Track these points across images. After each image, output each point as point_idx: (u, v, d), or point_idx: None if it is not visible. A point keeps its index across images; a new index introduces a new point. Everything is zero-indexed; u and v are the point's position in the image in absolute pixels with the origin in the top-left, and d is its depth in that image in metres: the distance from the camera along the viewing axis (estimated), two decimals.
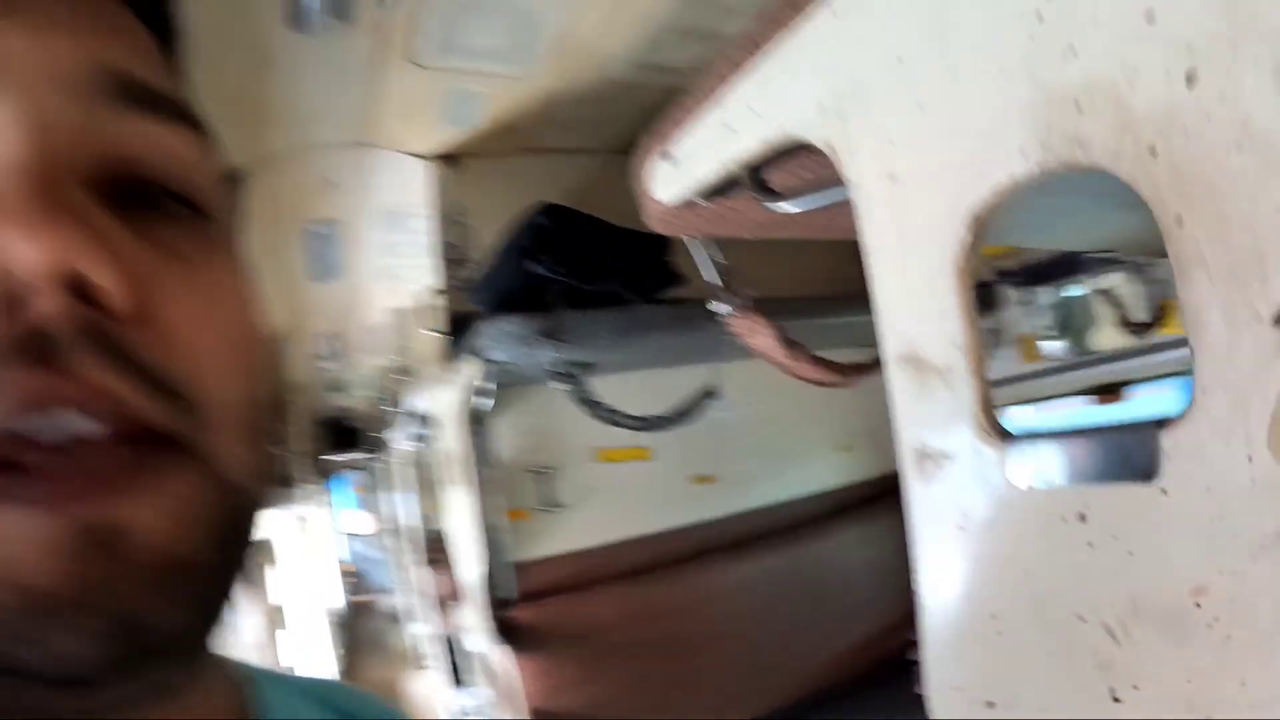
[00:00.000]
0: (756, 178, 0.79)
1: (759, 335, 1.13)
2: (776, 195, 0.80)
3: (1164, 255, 0.40)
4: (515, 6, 1.76)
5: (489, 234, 2.39)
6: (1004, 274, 2.11)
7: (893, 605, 2.33)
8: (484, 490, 2.28)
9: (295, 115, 2.08)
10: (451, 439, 2.37)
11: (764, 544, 2.43)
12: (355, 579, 5.59)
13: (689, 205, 0.90)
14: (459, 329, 2.33)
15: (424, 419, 3.05)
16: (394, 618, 6.64)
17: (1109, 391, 2.10)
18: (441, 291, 2.42)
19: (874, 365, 0.70)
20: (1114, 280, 1.92)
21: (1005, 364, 2.15)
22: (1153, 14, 0.39)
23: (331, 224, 2.74)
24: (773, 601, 2.19)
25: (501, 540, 2.30)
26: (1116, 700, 0.43)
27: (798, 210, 0.79)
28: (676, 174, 0.88)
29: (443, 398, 2.42)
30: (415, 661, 5.22)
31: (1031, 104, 0.47)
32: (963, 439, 0.52)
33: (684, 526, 2.46)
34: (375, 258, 3.11)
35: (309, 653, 5.45)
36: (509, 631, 2.24)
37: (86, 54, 0.26)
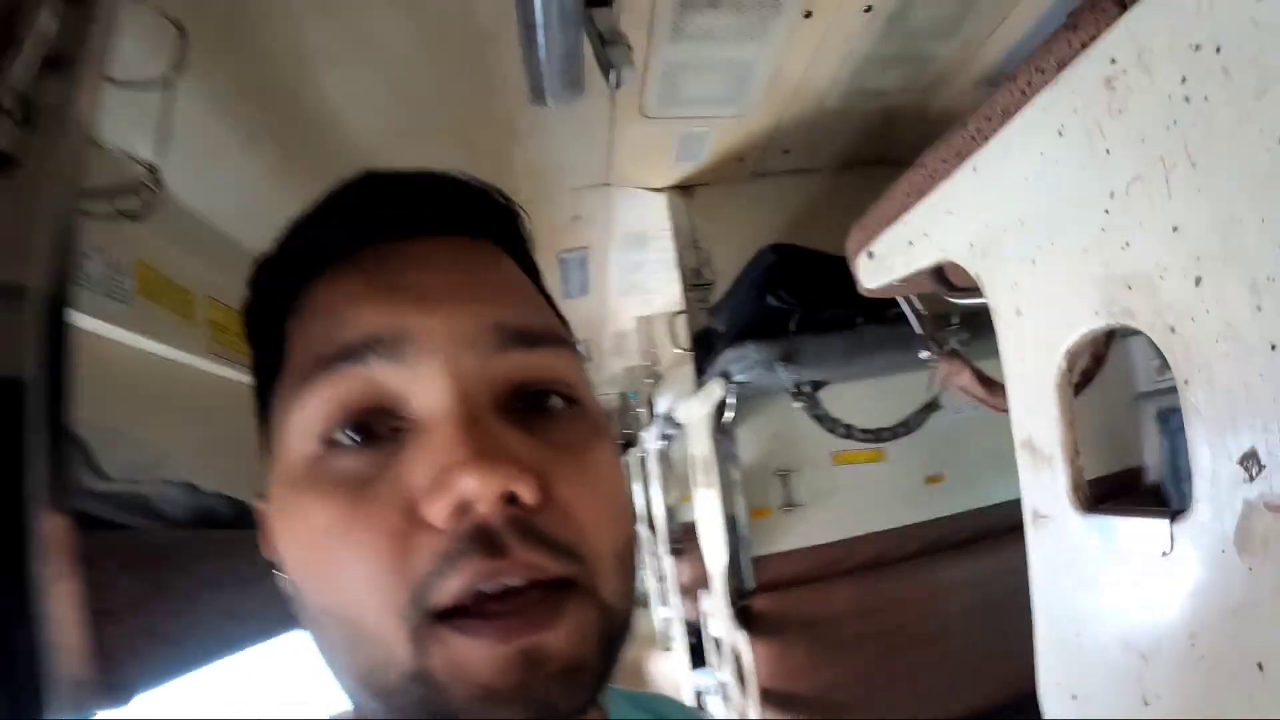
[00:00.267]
0: (939, 275, 1.03)
1: (960, 375, 1.34)
2: (955, 289, 1.03)
3: None
4: (728, 60, 2.04)
5: (724, 254, 2.71)
6: None
7: None
8: (729, 490, 2.61)
9: (543, 169, 2.49)
10: (700, 445, 2.72)
11: (985, 543, 2.55)
12: None
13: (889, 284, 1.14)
14: (700, 343, 2.68)
15: (671, 419, 3.43)
16: (642, 601, 7.22)
17: None
18: (682, 311, 2.75)
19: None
20: None
21: None
22: (1178, 228, 0.61)
23: (581, 250, 3.20)
24: (987, 600, 2.30)
25: (744, 535, 2.62)
26: (1145, 704, 0.65)
27: (970, 304, 1.01)
28: (876, 268, 1.12)
29: (692, 409, 2.77)
30: (661, 643, 5.70)
31: (1101, 278, 0.68)
32: (1060, 506, 0.75)
33: (913, 524, 2.64)
34: (621, 275, 3.57)
35: None
36: (747, 618, 2.54)
37: (484, 320, 0.37)
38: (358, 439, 0.35)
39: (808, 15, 1.84)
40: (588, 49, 1.86)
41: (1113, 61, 0.63)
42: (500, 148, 2.28)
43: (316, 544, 0.34)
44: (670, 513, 4.46)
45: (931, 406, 2.14)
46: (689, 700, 4.05)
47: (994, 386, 1.33)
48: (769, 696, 2.53)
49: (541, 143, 2.31)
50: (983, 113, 0.83)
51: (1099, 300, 0.69)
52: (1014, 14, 1.92)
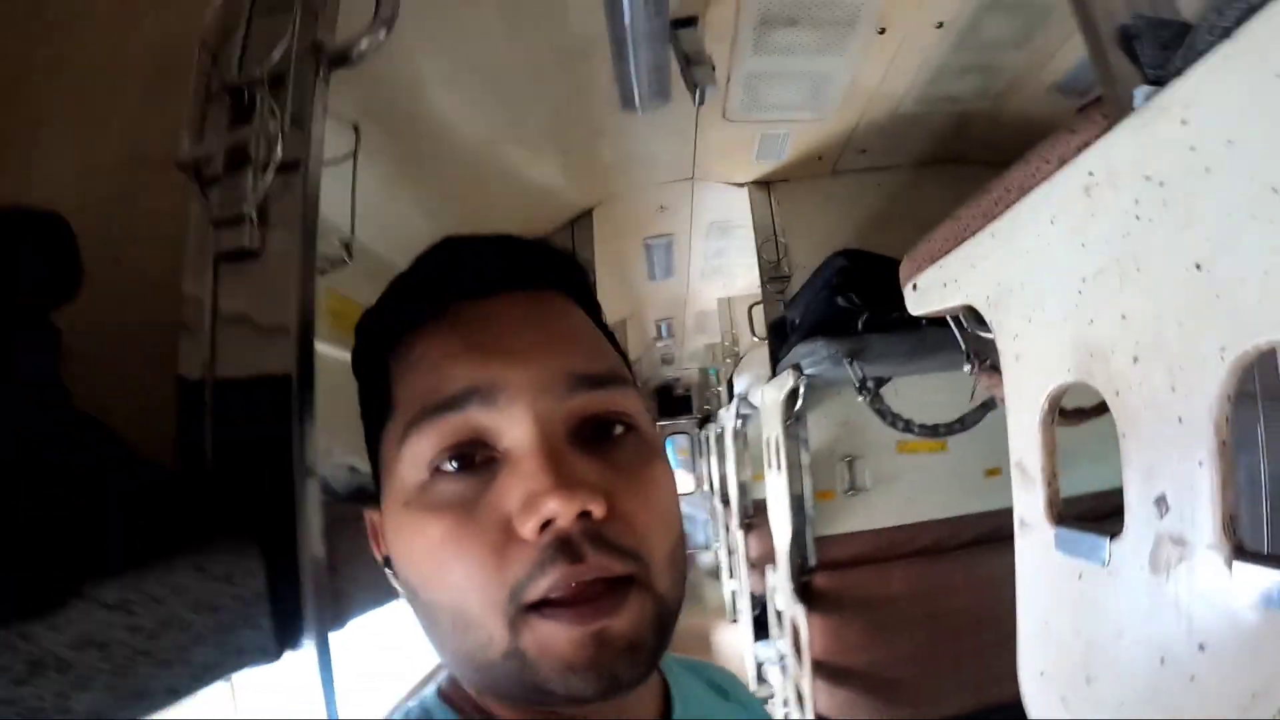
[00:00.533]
0: (970, 312, 1.20)
1: (998, 388, 1.50)
2: (985, 326, 1.20)
3: None
4: (807, 71, 2.21)
5: (803, 247, 2.89)
6: None
7: None
8: (797, 472, 2.80)
9: (631, 165, 2.72)
10: (772, 428, 2.91)
11: None
12: None
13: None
14: (776, 332, 2.88)
15: (748, 400, 3.64)
16: (712, 573, 7.45)
17: None
18: (760, 302, 2.94)
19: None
20: None
21: None
22: (1126, 316, 0.79)
23: (666, 237, 3.42)
24: None
25: (809, 515, 2.83)
26: (1087, 682, 0.84)
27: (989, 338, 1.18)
28: (919, 300, 1.30)
29: (766, 395, 2.96)
30: (728, 614, 5.93)
31: (1073, 344, 0.86)
32: (1038, 517, 0.94)
33: (971, 515, 2.78)
34: (704, 260, 3.78)
35: None
36: (807, 594, 2.74)
37: (559, 370, 0.44)
38: (459, 467, 0.43)
39: (881, 31, 2.00)
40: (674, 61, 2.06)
41: (1090, 174, 0.81)
42: (592, 147, 2.51)
43: (432, 554, 0.42)
44: (743, 489, 4.67)
45: (988, 406, 2.28)
46: (750, 670, 4.29)
47: None
48: (822, 669, 2.73)
49: (630, 142, 2.53)
50: (1003, 183, 1.00)
51: (1072, 360, 0.87)
52: None
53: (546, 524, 0.40)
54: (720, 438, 5.17)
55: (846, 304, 2.23)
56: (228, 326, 0.75)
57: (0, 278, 0.49)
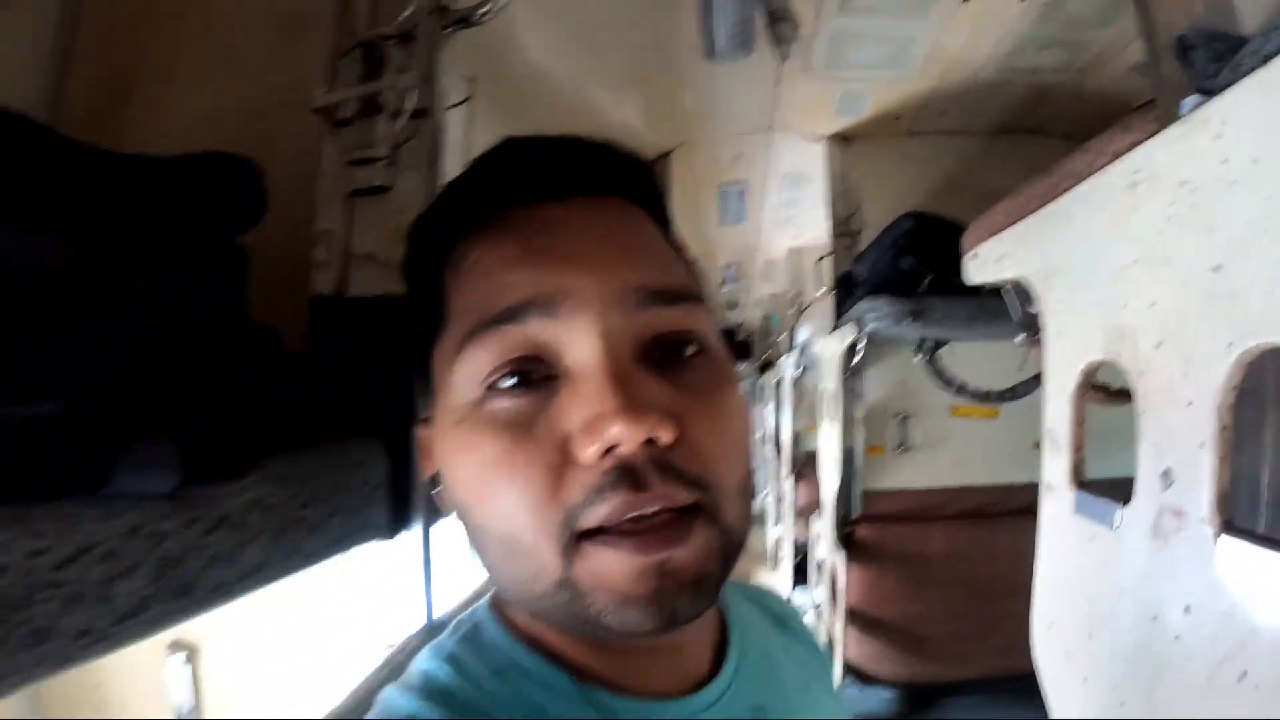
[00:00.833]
0: (1020, 287, 1.28)
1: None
2: (1033, 301, 1.28)
3: None
4: (891, 32, 2.24)
5: (875, 205, 2.93)
6: None
7: None
8: (850, 425, 2.90)
9: (711, 112, 2.76)
10: (830, 381, 3.00)
11: None
12: None
13: None
14: (841, 286, 2.94)
15: (807, 351, 3.71)
16: (758, 519, 7.60)
17: None
18: (827, 255, 3.00)
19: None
20: None
21: None
22: (1154, 304, 0.86)
23: (740, 184, 3.47)
24: None
25: (858, 468, 2.93)
26: (1089, 636, 0.94)
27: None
28: (978, 269, 1.37)
29: (827, 347, 3.05)
30: (770, 560, 6.08)
31: (1107, 325, 0.94)
32: (1062, 481, 1.03)
33: (1016, 484, 2.81)
34: (775, 210, 3.83)
35: None
36: (849, 544, 2.86)
37: (629, 282, 0.41)
38: (516, 384, 0.40)
39: (965, 0, 2.01)
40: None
41: (1136, 172, 0.88)
42: (673, 93, 2.57)
43: (483, 474, 0.40)
44: (796, 438, 4.77)
45: (1039, 378, 2.33)
46: None
47: None
48: (855, 618, 2.86)
49: (711, 90, 2.58)
50: (1063, 168, 1.07)
51: (1104, 340, 0.95)
52: None
53: (610, 449, 0.37)
54: (778, 386, 5.26)
55: (911, 265, 2.30)
56: (359, 256, 0.88)
57: (205, 210, 0.61)
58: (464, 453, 0.41)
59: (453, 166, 1.21)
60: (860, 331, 2.60)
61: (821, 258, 3.04)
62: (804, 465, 4.33)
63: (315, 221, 0.93)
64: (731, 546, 0.42)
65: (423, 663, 0.45)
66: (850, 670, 2.84)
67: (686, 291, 0.44)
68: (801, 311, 4.36)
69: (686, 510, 0.39)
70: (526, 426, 0.39)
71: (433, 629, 0.88)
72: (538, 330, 0.40)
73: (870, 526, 2.84)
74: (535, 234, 0.42)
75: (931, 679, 2.91)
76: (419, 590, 0.86)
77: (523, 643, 0.45)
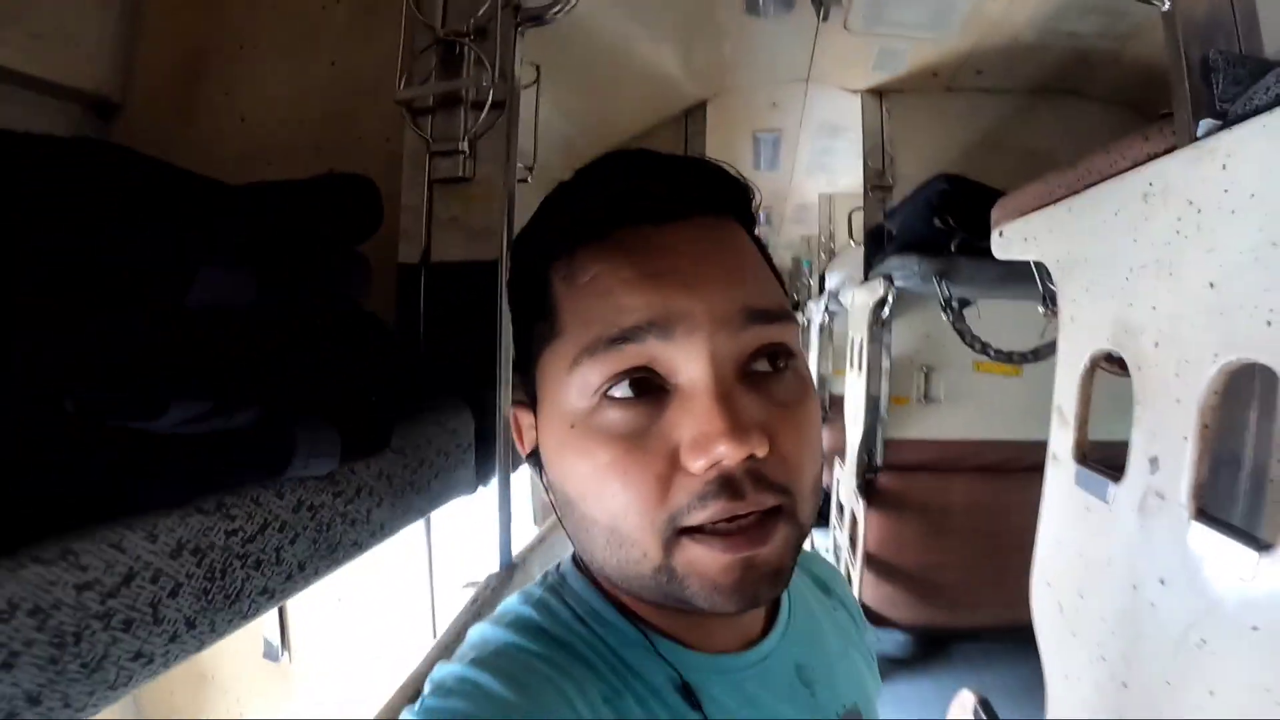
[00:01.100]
0: (1040, 267, 1.37)
1: None
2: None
3: None
4: None
5: (910, 159, 2.98)
6: None
7: None
8: (876, 375, 3.01)
9: (750, 62, 2.81)
10: (858, 330, 3.09)
11: None
12: None
13: None
14: (873, 238, 3.01)
15: (836, 297, 3.80)
16: None
17: None
18: (860, 208, 3.06)
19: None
20: None
21: None
22: (1156, 308, 0.96)
23: (775, 131, 3.52)
24: None
25: (882, 417, 3.04)
26: (1080, 597, 1.07)
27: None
28: (1003, 246, 1.46)
29: (857, 297, 3.13)
30: None
31: (1115, 319, 1.04)
32: (1066, 455, 1.14)
33: (1035, 441, 2.83)
34: (810, 157, 3.87)
35: None
36: (870, 491, 3.00)
37: (736, 304, 0.45)
38: (629, 396, 0.44)
39: None
40: None
41: (1150, 184, 0.97)
42: (714, 44, 2.62)
43: (597, 476, 0.44)
44: (822, 382, 4.88)
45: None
46: None
47: None
48: (872, 563, 3.01)
49: (751, 41, 2.63)
50: (1087, 164, 1.15)
51: (1111, 332, 1.05)
52: None
53: (714, 460, 0.42)
54: (806, 329, 5.35)
55: (942, 225, 2.38)
56: (441, 232, 0.99)
57: (334, 226, 0.73)
58: (578, 455, 0.45)
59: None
60: (889, 286, 2.69)
61: (854, 210, 3.10)
62: (828, 410, 4.45)
63: (402, 198, 1.03)
64: (802, 539, 0.47)
65: (514, 605, 0.53)
66: (866, 613, 2.98)
67: (782, 310, 0.48)
68: (832, 257, 4.42)
69: (770, 512, 0.44)
70: (638, 436, 0.44)
71: (509, 569, 1.02)
72: (653, 350, 0.43)
73: (892, 475, 2.97)
74: (651, 257, 0.45)
75: (944, 625, 3.08)
76: (493, 535, 1.00)
77: (603, 597, 0.52)
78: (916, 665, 3.09)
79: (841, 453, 3.52)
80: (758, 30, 2.52)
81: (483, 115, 1.01)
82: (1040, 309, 1.70)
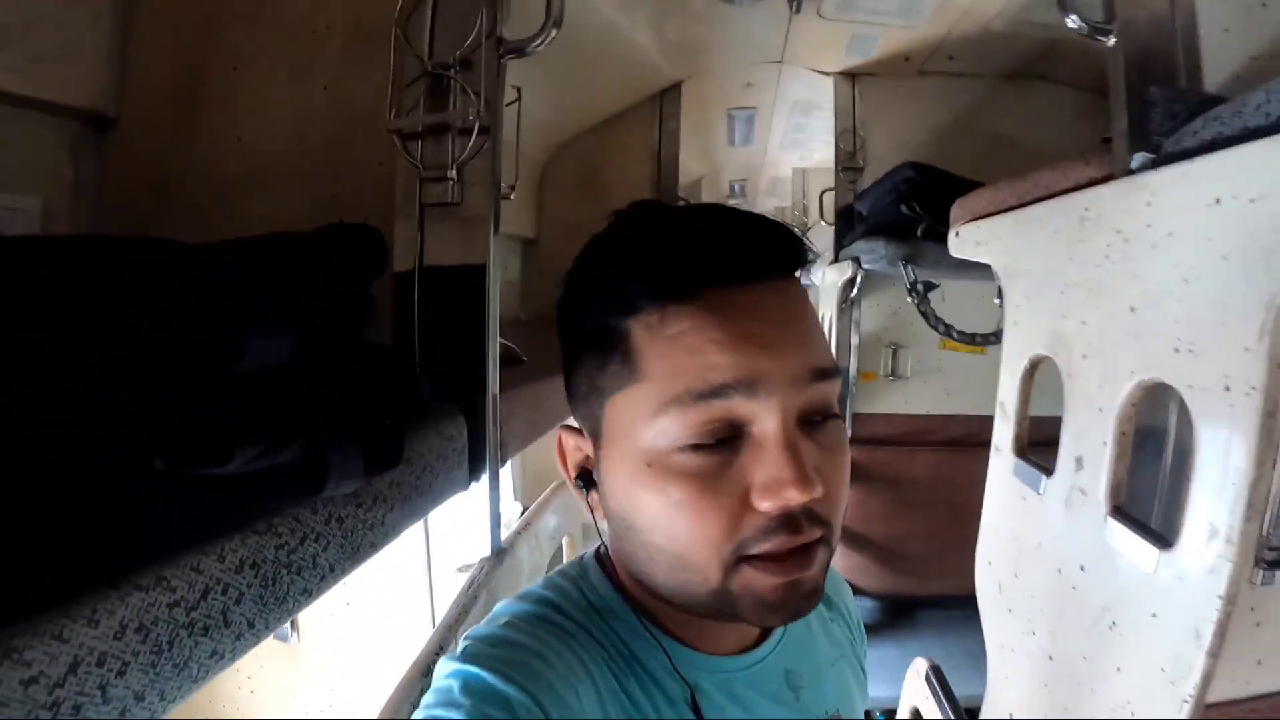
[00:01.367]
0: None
1: None
2: None
3: None
4: None
5: (882, 141, 3.07)
6: None
7: None
8: (845, 351, 3.13)
9: (725, 44, 2.89)
10: (827, 308, 3.20)
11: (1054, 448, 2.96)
12: None
13: None
14: (843, 217, 3.11)
15: (808, 273, 3.90)
16: None
17: None
18: (831, 189, 3.15)
19: None
20: None
21: None
22: (1085, 323, 1.07)
23: (749, 110, 3.60)
24: None
25: (851, 392, 3.16)
26: (1015, 575, 1.19)
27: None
28: (958, 245, 1.57)
29: (827, 276, 3.24)
30: None
31: (1050, 328, 1.15)
32: (1007, 447, 1.27)
33: None
34: (784, 134, 3.95)
35: None
36: None
37: (806, 364, 0.50)
38: (709, 443, 0.49)
39: None
40: None
41: (1085, 209, 1.07)
42: (689, 30, 2.69)
43: (670, 511, 0.49)
44: None
45: None
46: None
47: None
48: (842, 533, 3.09)
49: (725, 27, 2.70)
50: (1034, 179, 1.26)
51: (1047, 341, 1.16)
52: None
53: (784, 502, 0.48)
54: None
55: (909, 212, 2.47)
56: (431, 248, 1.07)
57: (343, 268, 0.81)
58: (653, 491, 0.50)
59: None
60: (858, 268, 2.80)
61: (825, 191, 3.19)
62: None
63: (395, 226, 1.11)
64: (831, 557, 0.54)
65: (538, 589, 0.60)
66: None
67: (835, 367, 0.53)
68: (805, 231, 4.52)
69: (814, 542, 0.50)
70: (712, 478, 0.49)
71: (499, 553, 1.12)
72: (735, 404, 0.48)
73: (859, 448, 3.08)
74: (737, 319, 0.49)
75: (910, 592, 3.23)
76: (480, 522, 1.10)
77: (620, 595, 0.59)
78: (884, 631, 3.22)
79: None
80: (732, 15, 2.58)
81: (470, 142, 1.08)
82: (996, 300, 1.81)
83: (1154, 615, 0.91)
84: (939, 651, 2.54)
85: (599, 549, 0.64)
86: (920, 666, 1.66)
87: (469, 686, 0.49)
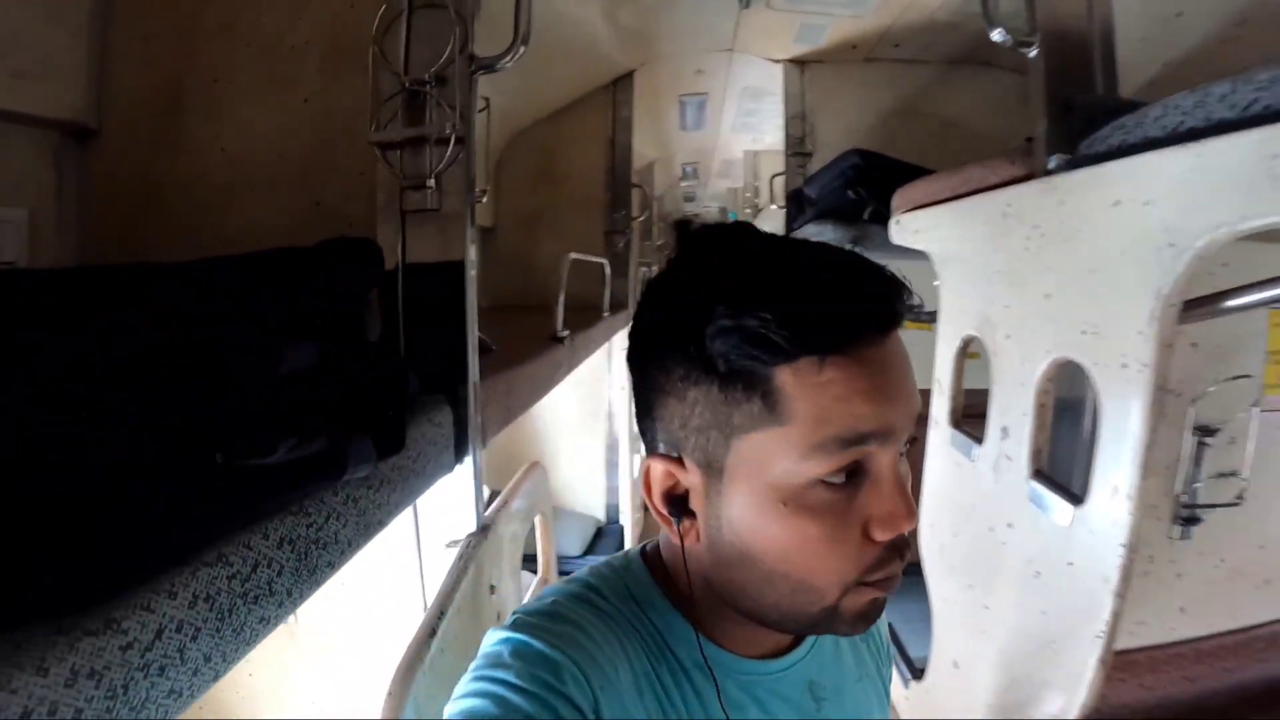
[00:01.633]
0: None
1: None
2: None
3: None
4: None
5: (830, 126, 3.18)
6: None
7: None
8: None
9: (677, 32, 2.98)
10: None
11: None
12: None
13: None
14: (793, 200, 3.22)
15: None
16: None
17: None
18: (781, 174, 3.26)
19: None
20: None
21: None
22: (1008, 307, 1.19)
23: (701, 96, 3.69)
24: None
25: None
26: (954, 535, 1.32)
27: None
28: (899, 233, 1.69)
29: None
30: None
31: (977, 311, 1.28)
32: (943, 419, 1.39)
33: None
34: (735, 118, 4.05)
35: None
36: None
37: (915, 410, 0.53)
38: (841, 482, 0.52)
39: None
40: None
41: (1007, 205, 1.19)
42: (641, 20, 2.77)
43: (804, 546, 0.52)
44: None
45: None
46: None
47: None
48: None
49: (676, 15, 2.79)
50: (965, 173, 1.37)
51: (976, 322, 1.28)
52: None
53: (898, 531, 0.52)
54: None
55: (855, 197, 2.60)
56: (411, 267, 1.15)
57: (346, 278, 0.90)
58: (784, 527, 0.52)
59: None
60: None
61: (775, 176, 3.29)
62: None
63: (378, 230, 1.18)
64: None
65: (583, 575, 0.64)
66: None
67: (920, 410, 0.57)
68: (756, 213, 4.64)
69: None
70: (841, 514, 0.51)
71: (483, 529, 1.21)
72: (871, 449, 0.50)
73: None
74: (875, 370, 0.50)
75: None
76: (462, 501, 1.19)
77: (661, 591, 0.62)
78: None
79: None
80: (683, 4, 2.67)
81: (447, 152, 1.16)
82: (935, 283, 1.94)
83: (1070, 564, 1.03)
84: (895, 615, 2.69)
85: (644, 546, 0.68)
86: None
87: (518, 651, 0.52)
